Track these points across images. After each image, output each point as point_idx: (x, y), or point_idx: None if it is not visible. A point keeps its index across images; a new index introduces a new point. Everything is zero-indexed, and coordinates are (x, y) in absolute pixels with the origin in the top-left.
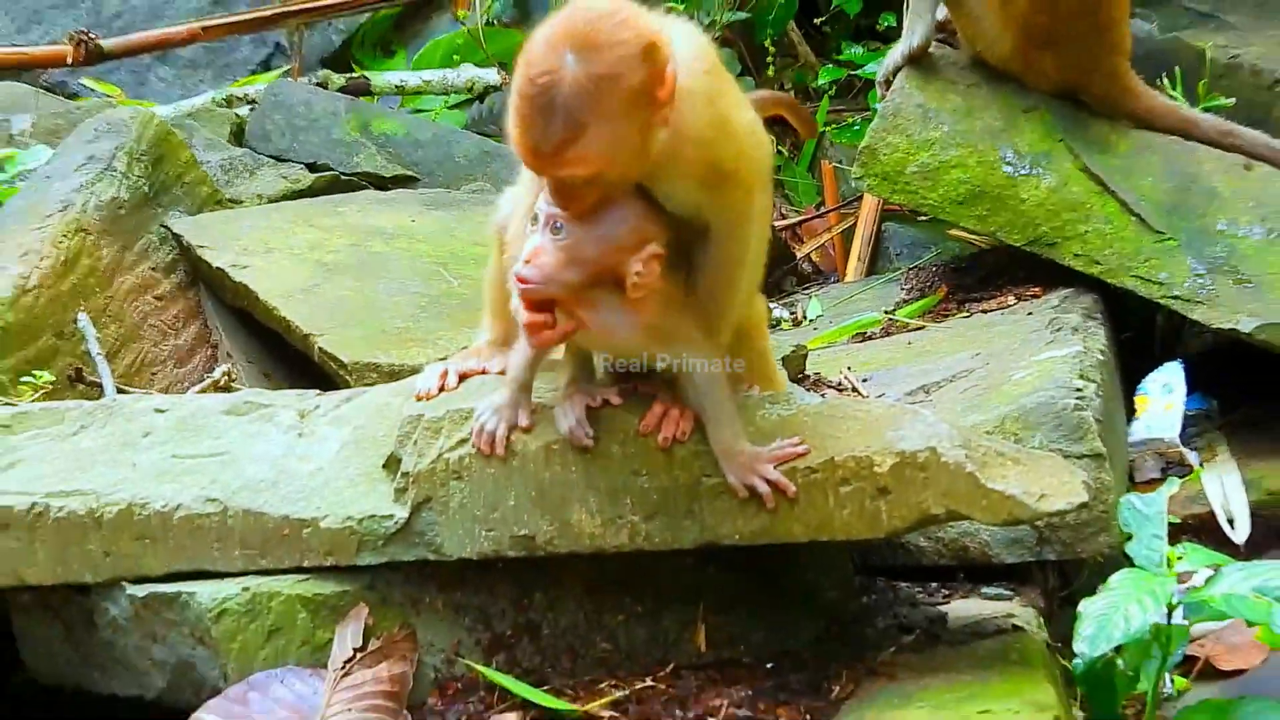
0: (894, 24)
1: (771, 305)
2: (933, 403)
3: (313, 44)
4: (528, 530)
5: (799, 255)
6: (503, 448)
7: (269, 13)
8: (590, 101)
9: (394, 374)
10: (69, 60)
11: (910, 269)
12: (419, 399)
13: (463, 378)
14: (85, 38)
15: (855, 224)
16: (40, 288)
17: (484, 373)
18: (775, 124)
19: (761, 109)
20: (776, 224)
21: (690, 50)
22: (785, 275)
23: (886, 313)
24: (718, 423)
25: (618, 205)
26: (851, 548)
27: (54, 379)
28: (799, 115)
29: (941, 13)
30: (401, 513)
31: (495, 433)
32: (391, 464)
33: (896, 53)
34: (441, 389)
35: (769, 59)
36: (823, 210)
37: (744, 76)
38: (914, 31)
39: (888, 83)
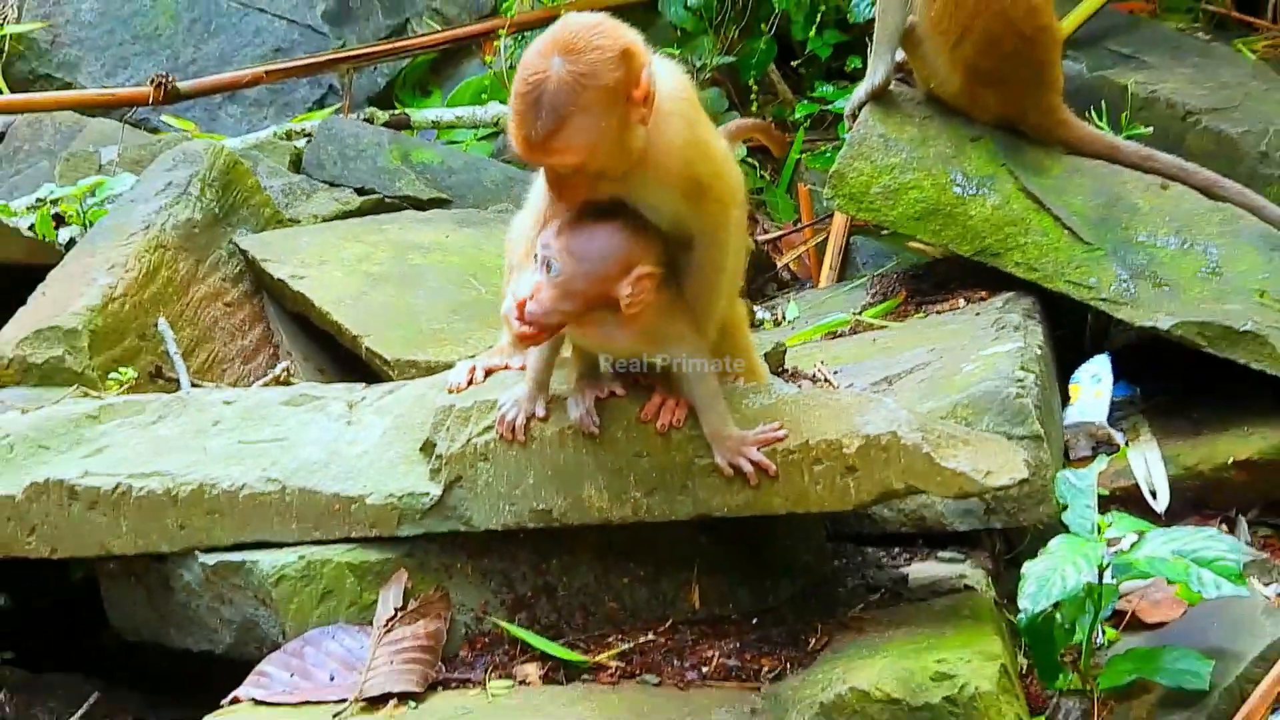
0: (860, 65)
1: (755, 308)
2: (894, 392)
3: (360, 85)
4: (545, 505)
5: (779, 264)
6: (522, 434)
7: (323, 59)
8: (572, 95)
9: (431, 369)
10: (150, 100)
11: (875, 276)
12: (451, 391)
13: (489, 373)
14: (164, 80)
15: (827, 237)
16: (125, 296)
17: (506, 368)
18: (757, 152)
19: (740, 132)
20: (759, 237)
21: (671, 81)
22: (767, 282)
23: (854, 314)
24: (708, 411)
25: (604, 239)
26: (824, 518)
27: (137, 375)
28: (770, 136)
29: (900, 55)
30: (436, 490)
31: (515, 421)
32: (427, 448)
33: (861, 90)
34: (470, 382)
35: (752, 96)
36: (799, 226)
37: (730, 111)
38: (876, 72)
39: (854, 116)
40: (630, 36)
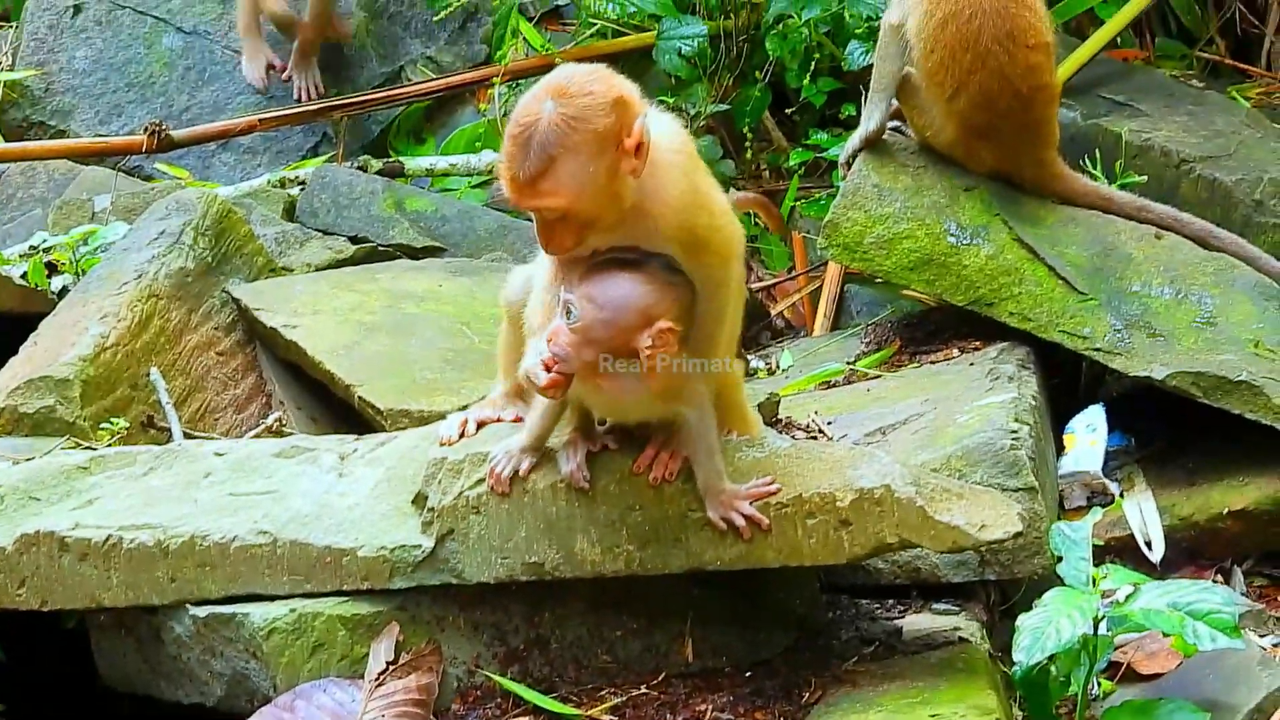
0: (854, 113)
1: (749, 356)
2: (888, 443)
3: (354, 133)
4: (537, 558)
5: (773, 313)
6: (508, 487)
7: (316, 107)
8: (560, 138)
9: (423, 419)
10: (144, 148)
11: (869, 325)
12: (442, 444)
13: (481, 425)
14: (158, 128)
15: (822, 286)
16: (117, 345)
17: (499, 420)
18: None
19: (742, 205)
20: (753, 285)
21: (668, 133)
22: (761, 330)
23: (848, 363)
24: (704, 466)
25: (626, 287)
26: (818, 569)
27: (128, 425)
28: (770, 214)
29: (895, 104)
30: (428, 543)
31: (503, 474)
32: (419, 500)
33: (856, 138)
34: (462, 435)
35: (747, 144)
36: (794, 274)
37: (725, 159)
38: (871, 119)
39: (848, 164)
40: (626, 87)
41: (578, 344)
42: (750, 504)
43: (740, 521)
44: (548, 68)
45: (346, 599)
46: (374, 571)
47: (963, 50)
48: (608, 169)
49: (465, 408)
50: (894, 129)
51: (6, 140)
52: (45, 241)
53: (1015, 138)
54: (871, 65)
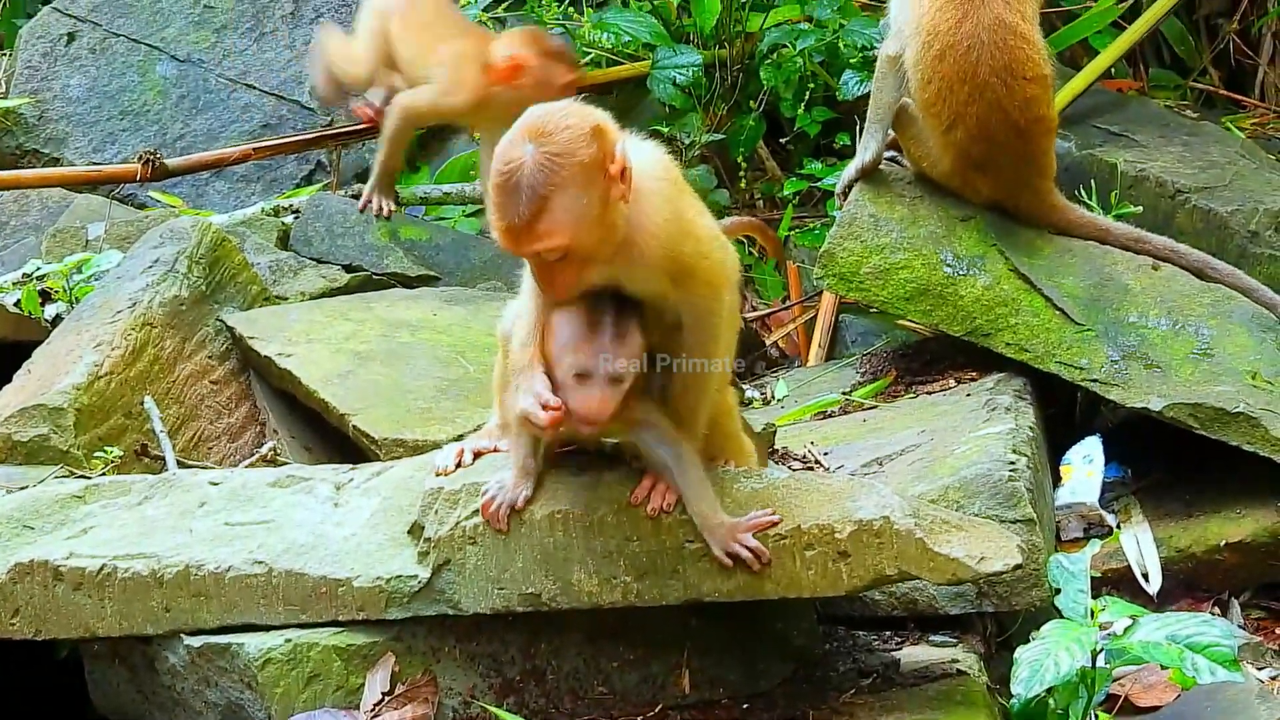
0: (848, 142)
1: (744, 386)
2: (885, 474)
3: (349, 162)
4: (534, 589)
5: (768, 342)
6: (506, 523)
7: (311, 135)
8: (549, 177)
9: (418, 448)
10: (137, 177)
11: (865, 355)
12: (438, 474)
13: (477, 455)
14: (152, 157)
15: (817, 315)
16: (111, 374)
17: (495, 450)
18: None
19: (738, 229)
20: (748, 315)
21: (649, 160)
22: (756, 360)
23: (844, 394)
24: (697, 500)
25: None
26: (816, 601)
27: (123, 454)
28: (767, 237)
29: (891, 134)
30: (424, 573)
31: (499, 508)
32: (415, 531)
33: (852, 168)
34: (458, 465)
35: (741, 173)
36: (789, 303)
37: (720, 188)
38: (867, 149)
39: (844, 194)
40: (599, 115)
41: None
42: (751, 535)
43: (746, 554)
44: None
45: (342, 629)
46: (370, 602)
47: (960, 82)
48: (600, 199)
49: (460, 437)
50: (890, 159)
51: (0, 168)
52: (39, 269)
53: (1012, 169)
54: (867, 95)
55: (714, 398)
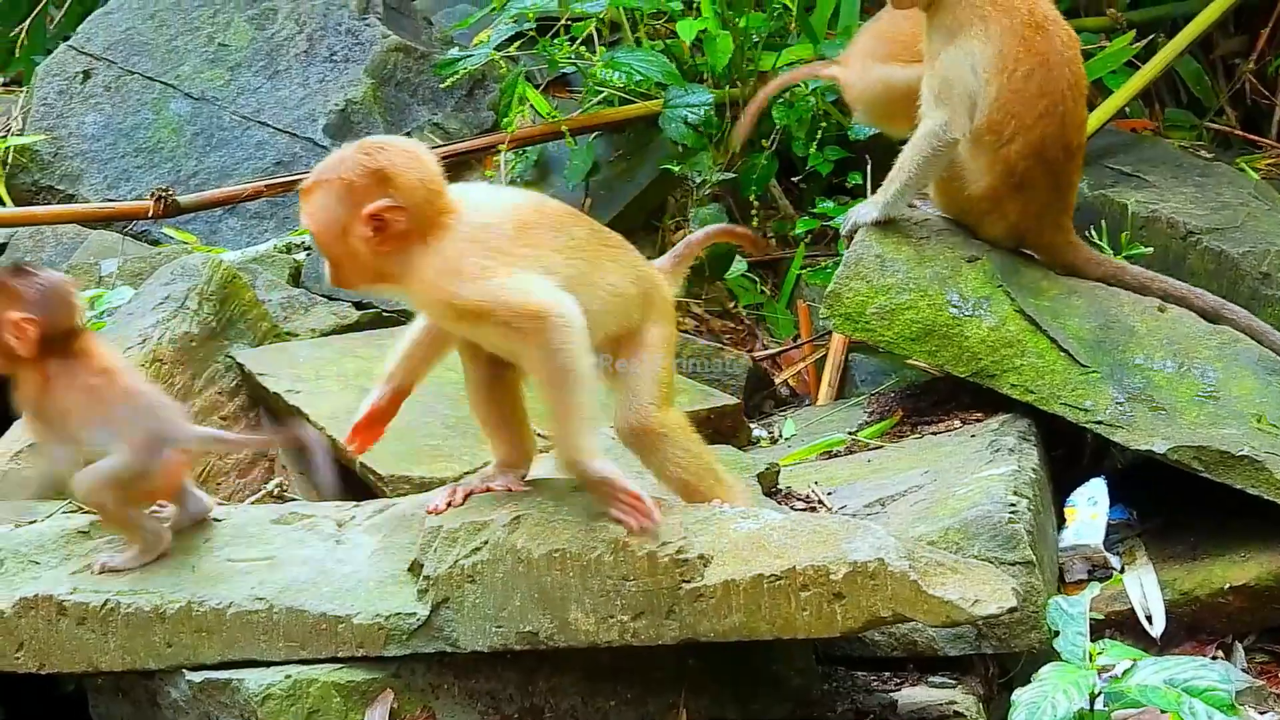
0: (860, 181)
1: (751, 425)
2: (887, 514)
3: None
4: (532, 627)
5: (777, 381)
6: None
7: None
8: (328, 170)
9: (424, 485)
10: (150, 214)
11: (872, 394)
12: (429, 513)
13: (468, 496)
14: (164, 194)
15: (826, 354)
16: None
17: (488, 490)
18: (758, 267)
19: (707, 239)
20: (757, 353)
21: (486, 212)
22: (765, 398)
23: (850, 433)
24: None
25: None
26: (814, 641)
27: None
28: (736, 235)
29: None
30: (423, 611)
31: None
32: (415, 568)
33: (866, 216)
34: (449, 505)
35: (753, 212)
36: (799, 342)
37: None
38: (889, 208)
39: (850, 236)
40: (410, 171)
41: None
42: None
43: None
44: (554, 134)
45: (342, 666)
46: (369, 639)
47: (1040, 97)
48: (342, 223)
49: (461, 478)
50: None
51: (15, 204)
52: None
53: (1046, 194)
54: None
55: (582, 423)
